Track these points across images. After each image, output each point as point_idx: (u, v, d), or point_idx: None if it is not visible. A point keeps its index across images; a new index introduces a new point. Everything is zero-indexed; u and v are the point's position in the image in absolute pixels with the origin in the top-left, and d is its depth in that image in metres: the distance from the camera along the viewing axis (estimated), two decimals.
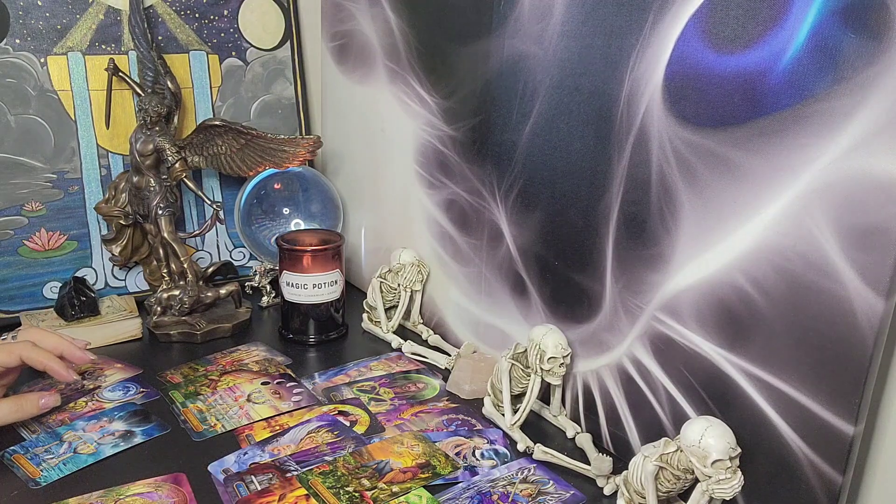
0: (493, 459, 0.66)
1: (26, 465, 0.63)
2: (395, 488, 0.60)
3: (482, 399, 0.74)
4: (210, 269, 0.96)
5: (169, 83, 0.93)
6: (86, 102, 0.93)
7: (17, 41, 0.89)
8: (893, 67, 0.45)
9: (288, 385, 0.78)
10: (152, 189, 0.90)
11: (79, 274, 0.94)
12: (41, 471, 0.62)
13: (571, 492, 0.61)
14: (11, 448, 0.65)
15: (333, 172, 1.10)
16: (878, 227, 0.46)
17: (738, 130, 0.53)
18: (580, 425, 0.71)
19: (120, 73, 0.93)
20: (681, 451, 0.53)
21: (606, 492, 0.62)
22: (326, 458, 0.64)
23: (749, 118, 0.53)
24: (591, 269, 0.67)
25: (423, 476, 0.62)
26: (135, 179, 0.91)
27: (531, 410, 0.70)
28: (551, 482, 0.63)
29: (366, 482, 0.61)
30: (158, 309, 0.90)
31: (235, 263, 1.03)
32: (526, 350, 0.69)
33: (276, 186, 1.01)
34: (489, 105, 0.77)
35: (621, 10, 0.61)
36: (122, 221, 0.93)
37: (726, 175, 0.54)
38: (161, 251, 0.93)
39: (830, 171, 0.48)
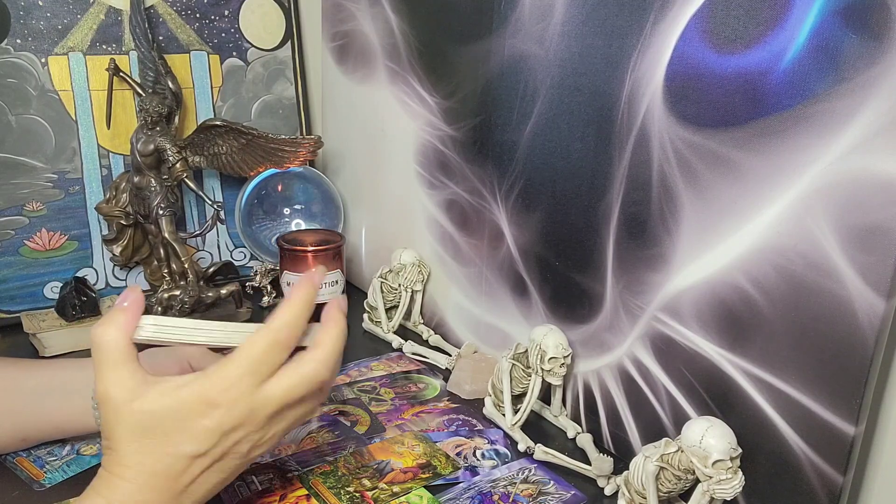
0: (494, 459, 0.66)
1: (29, 467, 0.63)
2: (396, 488, 0.60)
3: (483, 399, 0.74)
4: (211, 269, 0.96)
5: (170, 83, 0.93)
6: (87, 102, 0.93)
7: (18, 41, 0.89)
8: (894, 68, 0.45)
9: None
10: (153, 189, 0.90)
11: (80, 274, 0.94)
12: (45, 473, 0.62)
13: (572, 492, 0.61)
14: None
15: (334, 172, 1.10)
16: (879, 227, 0.46)
17: (738, 131, 0.53)
18: (581, 425, 0.71)
19: (121, 74, 0.93)
20: (682, 451, 0.53)
21: (607, 492, 0.62)
22: (327, 458, 0.64)
23: (750, 118, 0.53)
24: (592, 269, 0.67)
25: (423, 476, 0.62)
26: (136, 179, 0.91)
27: (532, 411, 0.70)
28: (552, 482, 0.63)
29: (366, 482, 0.61)
30: (159, 309, 0.90)
31: (236, 263, 1.03)
32: (527, 350, 0.69)
33: (277, 188, 1.01)
34: (490, 105, 0.77)
35: (622, 11, 0.61)
36: (122, 221, 0.93)
37: (727, 175, 0.54)
38: (162, 251, 0.93)
39: (831, 171, 0.48)
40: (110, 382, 0.45)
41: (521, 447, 0.67)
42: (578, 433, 0.70)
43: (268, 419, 0.47)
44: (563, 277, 0.71)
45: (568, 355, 0.68)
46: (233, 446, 0.47)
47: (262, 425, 0.47)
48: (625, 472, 0.59)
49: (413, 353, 0.86)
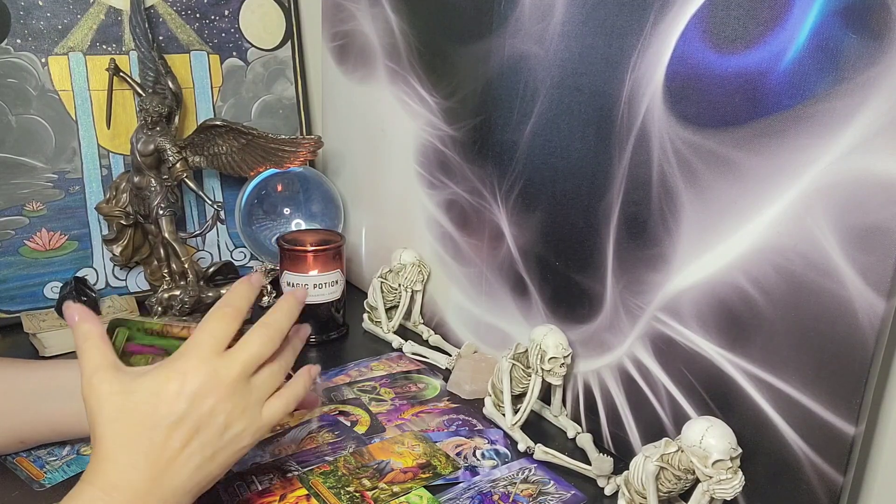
0: (494, 459, 0.66)
1: (29, 467, 0.63)
2: (396, 488, 0.60)
3: (483, 399, 0.74)
4: (211, 269, 0.96)
5: (170, 83, 0.93)
6: (87, 102, 0.93)
7: (19, 41, 0.89)
8: (894, 68, 0.45)
9: None
10: (153, 189, 0.90)
11: (80, 274, 0.94)
12: (45, 473, 0.62)
13: (572, 492, 0.61)
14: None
15: (334, 172, 1.10)
16: (879, 227, 0.46)
17: (738, 131, 0.53)
18: (581, 425, 0.71)
19: (121, 73, 0.93)
20: (682, 451, 0.53)
21: (607, 492, 0.62)
22: (327, 458, 0.64)
23: (750, 118, 0.53)
24: (592, 269, 0.67)
25: (423, 476, 0.62)
26: (136, 179, 0.91)
27: (532, 410, 0.70)
28: (552, 482, 0.63)
29: (366, 482, 0.61)
30: (159, 309, 0.90)
31: (236, 263, 1.03)
32: (527, 350, 0.69)
33: (277, 188, 1.01)
34: (490, 105, 0.77)
35: (622, 10, 0.61)
36: (122, 221, 0.93)
37: (727, 175, 0.54)
38: (162, 251, 0.93)
39: (831, 171, 0.48)
40: (98, 380, 0.48)
41: (521, 447, 0.67)
42: (578, 433, 0.70)
43: (235, 382, 0.50)
44: (563, 277, 0.71)
45: (568, 355, 0.68)
46: (208, 416, 0.48)
47: (230, 391, 0.49)
48: (625, 472, 0.59)
49: (413, 353, 0.86)
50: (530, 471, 0.64)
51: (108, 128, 0.95)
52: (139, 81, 0.94)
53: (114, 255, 0.95)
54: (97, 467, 0.47)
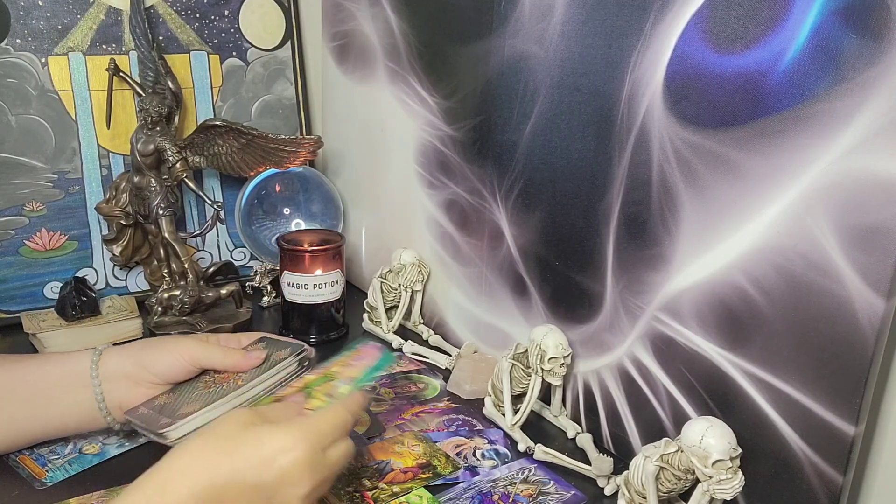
0: (494, 459, 0.66)
1: (31, 465, 0.63)
2: (396, 488, 0.60)
3: (483, 399, 0.74)
4: (211, 270, 0.96)
5: (170, 83, 0.92)
6: (86, 102, 0.93)
7: (18, 41, 0.89)
8: (894, 68, 0.45)
9: None
10: (153, 189, 0.90)
11: (79, 274, 0.94)
12: (47, 471, 0.62)
13: (572, 492, 0.61)
14: None
15: (334, 172, 1.10)
16: (879, 227, 0.46)
17: (738, 131, 0.53)
18: (581, 425, 0.71)
19: (121, 74, 0.93)
20: (681, 451, 0.53)
21: (607, 492, 0.62)
22: None
23: (750, 118, 0.53)
24: (592, 269, 0.67)
25: (423, 476, 0.62)
26: (136, 179, 0.91)
27: (532, 410, 0.70)
28: (552, 482, 0.63)
29: (366, 482, 0.61)
30: (159, 309, 0.90)
31: (236, 263, 1.03)
32: (527, 350, 0.69)
33: (277, 188, 1.01)
34: (490, 105, 0.77)
35: (622, 11, 0.61)
36: (122, 221, 0.93)
37: (727, 175, 0.55)
38: (162, 251, 0.93)
39: (831, 171, 0.48)
40: (248, 410, 0.52)
41: (521, 447, 0.67)
42: (578, 433, 0.70)
43: (319, 482, 0.50)
44: (563, 277, 0.71)
45: (568, 355, 0.68)
46: (280, 501, 0.48)
47: (310, 490, 0.49)
48: (625, 472, 0.59)
49: (413, 353, 0.86)
50: (530, 471, 0.64)
51: (108, 128, 0.95)
52: (139, 81, 0.94)
53: (114, 255, 0.95)
54: (150, 474, 0.46)
